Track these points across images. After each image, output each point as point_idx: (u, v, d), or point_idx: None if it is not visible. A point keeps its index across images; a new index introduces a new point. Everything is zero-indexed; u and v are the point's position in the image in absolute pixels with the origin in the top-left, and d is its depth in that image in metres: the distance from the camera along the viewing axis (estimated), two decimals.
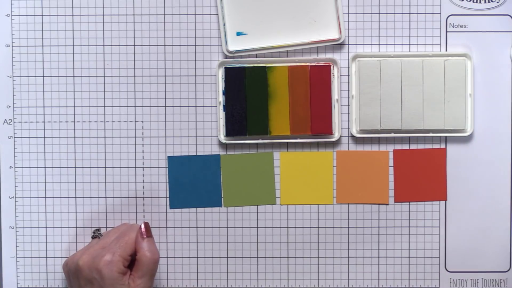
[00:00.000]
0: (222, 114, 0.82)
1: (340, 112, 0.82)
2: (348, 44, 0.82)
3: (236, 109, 0.82)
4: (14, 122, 0.83)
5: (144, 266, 0.77)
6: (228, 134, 0.82)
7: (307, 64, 0.82)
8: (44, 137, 0.83)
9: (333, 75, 0.82)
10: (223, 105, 0.82)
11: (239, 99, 0.82)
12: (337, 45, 0.82)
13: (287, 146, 0.83)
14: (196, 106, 0.83)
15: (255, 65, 0.82)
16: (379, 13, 0.82)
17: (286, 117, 0.82)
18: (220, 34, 0.82)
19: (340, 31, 0.81)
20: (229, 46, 0.81)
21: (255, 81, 0.81)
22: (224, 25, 0.81)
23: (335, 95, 0.82)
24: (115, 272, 0.76)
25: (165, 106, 0.83)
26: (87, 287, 0.77)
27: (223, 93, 0.82)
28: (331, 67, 0.81)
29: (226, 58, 0.82)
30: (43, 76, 0.83)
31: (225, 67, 0.82)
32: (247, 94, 0.82)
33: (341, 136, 0.82)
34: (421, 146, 0.83)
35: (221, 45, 0.82)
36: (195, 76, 0.83)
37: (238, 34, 0.82)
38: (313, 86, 0.81)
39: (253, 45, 0.82)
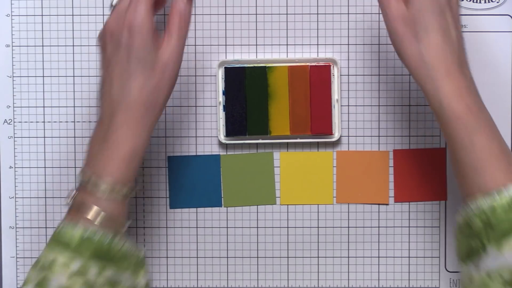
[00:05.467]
0: (222, 114, 0.82)
1: (340, 112, 0.82)
2: (348, 44, 0.82)
3: (236, 109, 0.82)
4: (14, 122, 0.83)
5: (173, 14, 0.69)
6: (228, 134, 0.82)
7: (307, 64, 0.81)
8: (44, 137, 0.83)
9: (333, 75, 0.82)
10: (223, 105, 0.82)
11: (239, 99, 0.82)
12: (337, 45, 0.82)
13: (287, 146, 0.83)
14: (196, 106, 0.83)
15: (255, 65, 0.82)
16: (379, 13, 0.82)
17: (286, 117, 0.82)
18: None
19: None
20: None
21: (255, 81, 0.81)
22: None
23: (335, 95, 0.82)
24: (144, 17, 0.67)
25: (165, 106, 0.83)
26: (114, 53, 0.69)
27: (223, 93, 0.82)
28: (331, 67, 0.81)
29: (226, 58, 0.82)
30: (43, 76, 0.83)
31: (225, 67, 0.82)
32: (247, 94, 0.81)
33: (341, 136, 0.82)
34: (421, 146, 0.83)
35: (221, 45, 0.82)
36: (195, 76, 0.83)
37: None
38: (313, 86, 0.81)
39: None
